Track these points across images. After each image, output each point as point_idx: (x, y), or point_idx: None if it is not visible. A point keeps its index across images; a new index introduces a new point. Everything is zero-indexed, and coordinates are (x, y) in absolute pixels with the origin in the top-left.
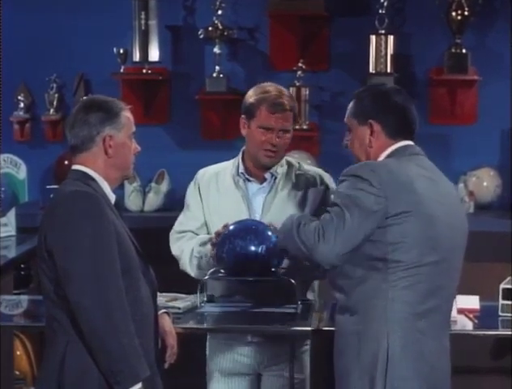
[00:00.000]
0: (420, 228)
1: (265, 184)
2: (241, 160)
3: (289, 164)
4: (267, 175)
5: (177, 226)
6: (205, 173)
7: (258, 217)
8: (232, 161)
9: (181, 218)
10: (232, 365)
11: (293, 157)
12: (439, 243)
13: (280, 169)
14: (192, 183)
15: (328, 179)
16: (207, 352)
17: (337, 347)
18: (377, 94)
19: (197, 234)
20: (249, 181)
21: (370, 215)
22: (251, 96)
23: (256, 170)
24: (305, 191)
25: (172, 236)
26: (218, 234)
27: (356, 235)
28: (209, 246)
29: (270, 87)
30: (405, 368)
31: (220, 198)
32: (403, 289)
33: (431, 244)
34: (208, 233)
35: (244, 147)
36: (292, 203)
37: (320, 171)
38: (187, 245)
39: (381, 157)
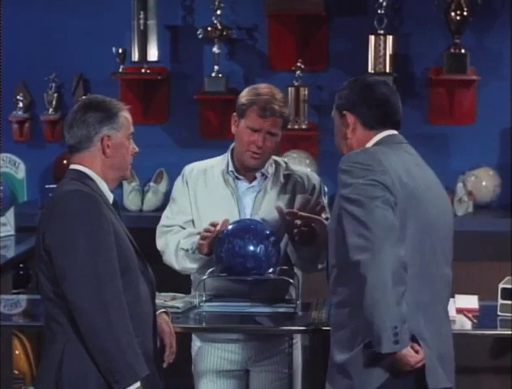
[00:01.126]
0: (416, 222)
1: (254, 183)
2: (230, 158)
3: (276, 164)
4: (258, 174)
5: (163, 220)
6: (193, 169)
7: (247, 216)
8: (219, 158)
9: (166, 212)
10: (219, 362)
11: (291, 157)
12: (431, 231)
13: (270, 169)
14: (179, 178)
15: (315, 180)
16: (192, 353)
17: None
18: (356, 86)
19: (184, 228)
20: (238, 179)
21: (388, 201)
22: (244, 96)
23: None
24: (293, 192)
25: (159, 230)
26: (213, 225)
27: (391, 223)
28: (196, 239)
29: (264, 89)
30: None
31: (209, 196)
32: None
33: (424, 234)
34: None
35: (233, 145)
36: (281, 202)
37: (307, 171)
38: (172, 239)
39: (369, 145)
